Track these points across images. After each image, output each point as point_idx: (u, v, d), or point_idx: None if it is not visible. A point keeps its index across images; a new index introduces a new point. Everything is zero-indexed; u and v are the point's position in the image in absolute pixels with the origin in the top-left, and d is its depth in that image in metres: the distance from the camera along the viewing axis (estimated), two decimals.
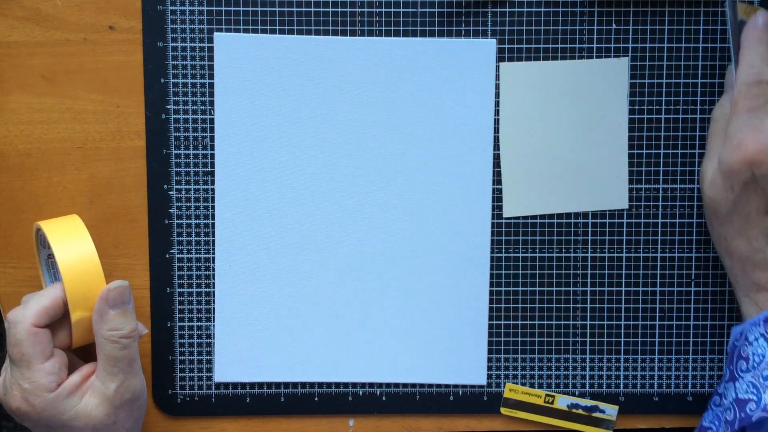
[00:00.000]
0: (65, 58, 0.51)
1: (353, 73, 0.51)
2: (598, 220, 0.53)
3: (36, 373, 0.44)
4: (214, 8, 0.51)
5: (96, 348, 0.46)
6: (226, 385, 0.53)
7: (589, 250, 0.53)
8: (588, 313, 0.53)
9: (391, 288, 0.52)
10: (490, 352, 0.53)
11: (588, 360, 0.53)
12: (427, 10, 0.51)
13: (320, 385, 0.53)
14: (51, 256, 0.49)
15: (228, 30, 0.51)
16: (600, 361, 0.53)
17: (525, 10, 0.51)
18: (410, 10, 0.51)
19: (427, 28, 0.51)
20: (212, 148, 0.52)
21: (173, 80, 0.51)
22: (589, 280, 0.53)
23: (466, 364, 0.53)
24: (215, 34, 0.51)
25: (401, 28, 0.51)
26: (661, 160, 0.52)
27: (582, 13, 0.51)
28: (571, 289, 0.53)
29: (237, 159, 0.51)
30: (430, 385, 0.54)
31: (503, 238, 0.53)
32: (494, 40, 0.51)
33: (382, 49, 0.51)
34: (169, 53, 0.51)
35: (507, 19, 0.51)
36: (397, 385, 0.53)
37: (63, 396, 0.44)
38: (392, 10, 0.51)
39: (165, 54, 0.51)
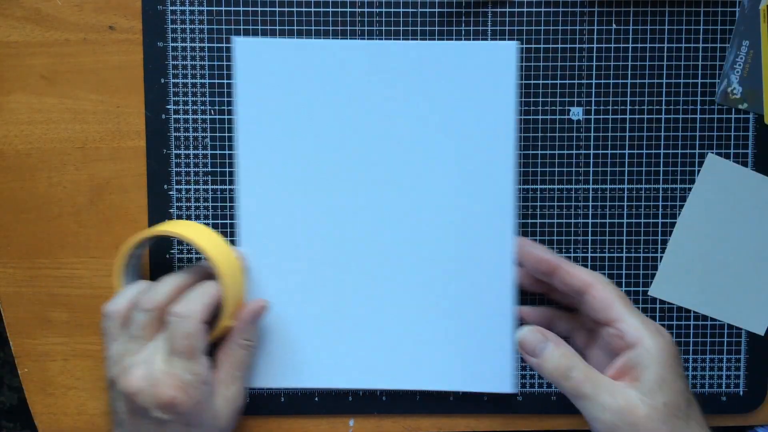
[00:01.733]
0: (65, 58, 0.51)
1: (374, 76, 0.50)
2: (598, 221, 0.53)
3: (199, 366, 0.45)
4: (214, 8, 0.51)
5: (222, 352, 0.49)
6: None
7: (589, 249, 0.53)
8: None
9: (411, 292, 0.52)
10: None
11: None
12: (427, 10, 0.51)
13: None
14: (135, 257, 0.49)
15: (228, 30, 0.51)
16: None
17: (525, 10, 0.51)
18: (410, 10, 0.51)
19: (427, 28, 0.51)
20: (212, 148, 0.52)
21: (173, 80, 0.51)
22: None
23: (491, 370, 0.52)
24: (234, 38, 0.50)
25: (401, 28, 0.51)
26: (661, 160, 0.52)
27: (582, 13, 0.51)
28: None
29: (260, 164, 0.51)
30: None
31: None
32: (516, 41, 0.51)
33: (402, 51, 0.50)
34: (169, 53, 0.51)
35: (507, 19, 0.51)
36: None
37: (210, 392, 0.47)
38: (392, 10, 0.51)
39: (165, 54, 0.51)
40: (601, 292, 0.46)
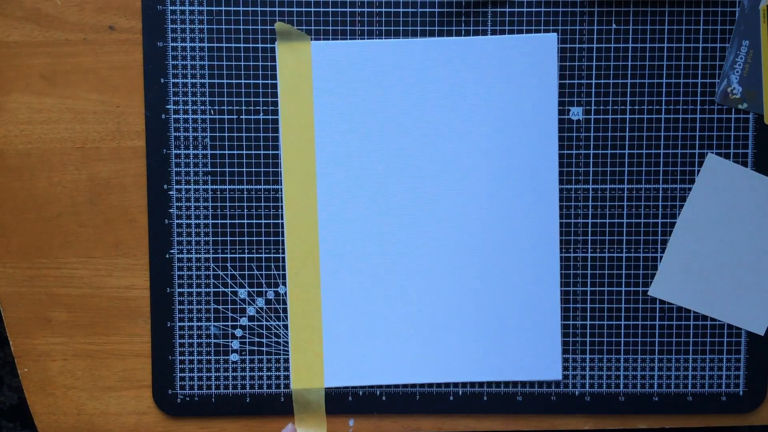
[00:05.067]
0: (65, 58, 0.51)
1: (426, 70, 0.51)
2: (598, 221, 0.53)
3: None
4: (214, 8, 0.51)
5: None
6: (226, 386, 0.53)
7: (589, 249, 0.53)
8: (588, 313, 0.53)
9: (462, 287, 0.53)
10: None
11: (588, 360, 0.53)
12: (427, 10, 0.51)
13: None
14: None
15: (228, 30, 0.51)
16: (600, 361, 0.53)
17: (525, 9, 0.51)
18: (410, 10, 0.51)
19: (427, 28, 0.51)
20: (212, 148, 0.52)
21: (173, 80, 0.51)
22: (589, 280, 0.53)
23: (540, 359, 0.53)
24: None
25: (401, 28, 0.51)
26: (661, 160, 0.52)
27: (582, 13, 0.51)
28: (571, 289, 0.53)
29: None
30: (430, 385, 0.54)
31: None
32: (555, 34, 0.51)
33: (445, 48, 0.51)
34: (169, 53, 0.51)
35: (507, 19, 0.51)
36: (396, 385, 0.53)
37: None
38: (392, 10, 0.51)
39: (165, 54, 0.51)
40: None
